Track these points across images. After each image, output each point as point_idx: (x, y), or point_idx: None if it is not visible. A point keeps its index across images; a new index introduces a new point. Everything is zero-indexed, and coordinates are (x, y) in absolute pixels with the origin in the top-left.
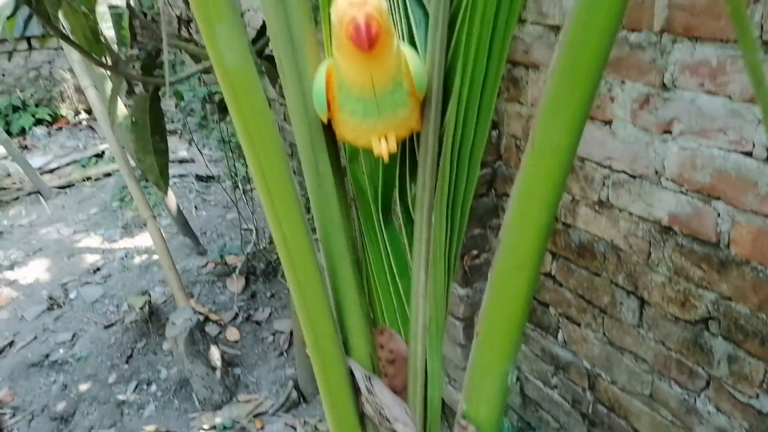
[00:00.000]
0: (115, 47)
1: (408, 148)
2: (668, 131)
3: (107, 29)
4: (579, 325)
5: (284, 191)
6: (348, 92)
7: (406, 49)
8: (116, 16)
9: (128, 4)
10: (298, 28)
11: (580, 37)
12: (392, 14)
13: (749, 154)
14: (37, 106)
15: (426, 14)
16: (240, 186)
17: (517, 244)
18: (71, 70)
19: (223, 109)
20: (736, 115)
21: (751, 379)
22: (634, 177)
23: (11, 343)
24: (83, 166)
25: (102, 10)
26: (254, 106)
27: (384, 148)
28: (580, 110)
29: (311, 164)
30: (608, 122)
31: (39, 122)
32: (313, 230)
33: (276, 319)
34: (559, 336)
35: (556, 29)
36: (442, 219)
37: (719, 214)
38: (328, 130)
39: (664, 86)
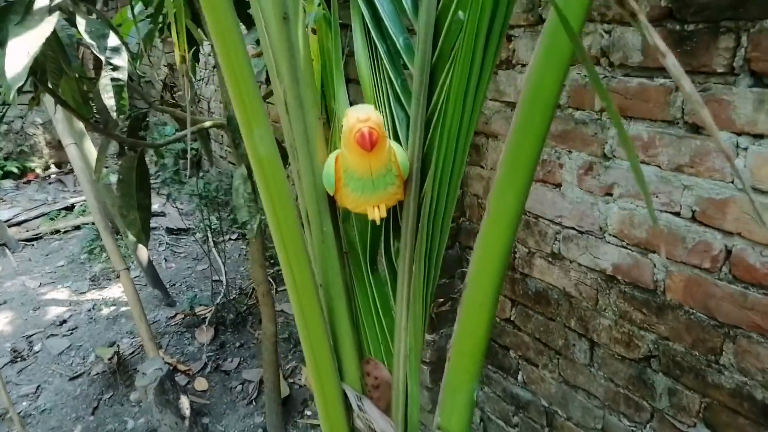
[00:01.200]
0: (113, 114)
1: (391, 214)
2: (609, 194)
3: (108, 99)
4: (537, 366)
5: (296, 246)
6: (351, 175)
7: (394, 145)
8: (117, 87)
9: (129, 78)
10: (312, 127)
11: (517, 142)
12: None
13: (677, 214)
14: (6, 159)
15: (406, 115)
16: (211, 238)
17: (478, 289)
18: (43, 125)
19: (197, 164)
20: (665, 182)
21: (689, 409)
22: (581, 232)
23: None
24: (52, 219)
25: (105, 82)
26: (278, 183)
27: (376, 214)
28: (521, 192)
29: (317, 225)
30: (558, 185)
31: (6, 175)
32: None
33: (245, 368)
34: (519, 377)
35: (511, 105)
36: (420, 268)
37: (655, 265)
38: (331, 200)
39: (604, 156)
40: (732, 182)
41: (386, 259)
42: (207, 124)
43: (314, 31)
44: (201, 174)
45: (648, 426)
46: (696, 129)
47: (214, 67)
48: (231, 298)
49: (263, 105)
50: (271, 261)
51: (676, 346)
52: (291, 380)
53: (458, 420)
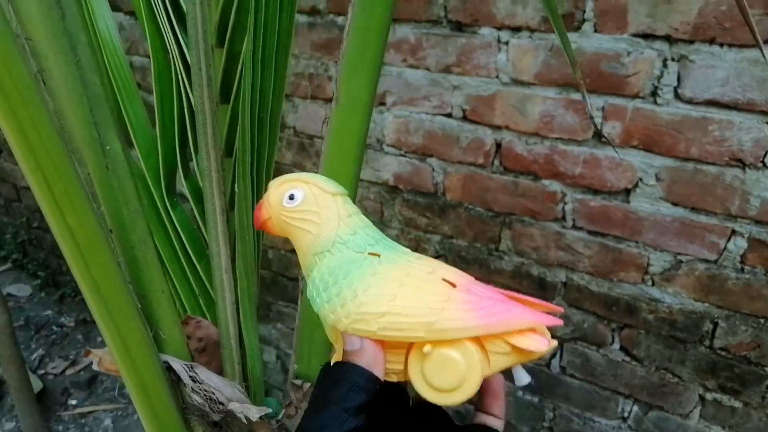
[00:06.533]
0: None
1: (187, 120)
2: (383, 103)
3: None
4: None
5: (66, 176)
6: None
7: None
8: None
9: None
10: None
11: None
12: None
13: (449, 115)
14: None
15: None
16: None
17: None
18: None
19: None
20: (436, 84)
21: None
22: None
23: None
24: None
25: None
26: (18, 75)
27: None
28: (373, 69)
29: (96, 144)
30: (329, 99)
31: None
32: None
33: None
34: None
35: None
36: (246, 187)
37: (433, 168)
38: (115, 105)
39: None
40: (497, 77)
41: (189, 184)
42: None
43: None
44: None
45: None
46: (459, 27)
47: None
48: None
49: None
50: None
51: (460, 241)
52: (42, 371)
53: (319, 361)
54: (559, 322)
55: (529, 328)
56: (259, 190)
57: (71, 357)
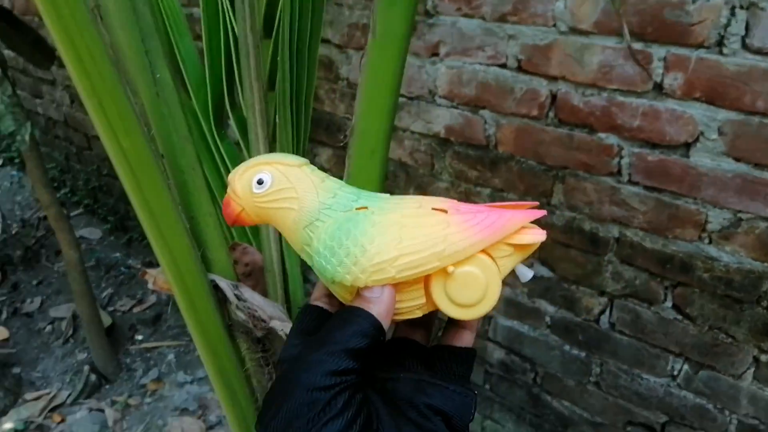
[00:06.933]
0: None
1: (232, 53)
2: (436, 54)
3: None
4: None
5: (119, 100)
6: None
7: None
8: None
9: None
10: None
11: None
12: None
13: (504, 66)
14: None
15: None
16: None
17: (368, 130)
18: None
19: None
20: (490, 34)
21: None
22: (411, 99)
23: None
24: None
25: None
26: (74, 5)
27: None
28: (410, 0)
29: (147, 70)
30: None
31: None
32: None
33: (51, 306)
34: None
35: None
36: (286, 117)
37: (486, 121)
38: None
39: (427, 13)
40: (554, 26)
41: (236, 119)
42: None
43: None
44: None
45: None
46: None
47: None
48: (14, 233)
49: None
50: (56, 182)
51: (511, 195)
52: (111, 308)
53: None
54: (543, 212)
55: (522, 226)
56: (297, 122)
57: (138, 296)
